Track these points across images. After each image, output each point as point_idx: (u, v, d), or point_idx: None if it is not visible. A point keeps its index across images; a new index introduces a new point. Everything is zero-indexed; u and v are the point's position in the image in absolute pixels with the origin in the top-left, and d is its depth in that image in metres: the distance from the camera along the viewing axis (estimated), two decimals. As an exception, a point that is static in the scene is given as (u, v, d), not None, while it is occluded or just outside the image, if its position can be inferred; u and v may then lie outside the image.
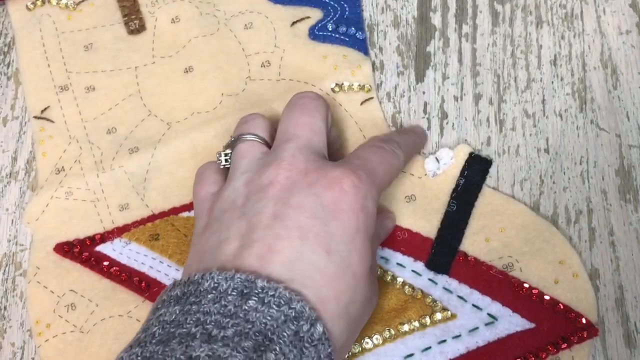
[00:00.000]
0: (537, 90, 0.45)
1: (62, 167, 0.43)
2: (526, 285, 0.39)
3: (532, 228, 0.41)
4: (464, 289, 0.39)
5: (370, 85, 0.45)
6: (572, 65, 0.45)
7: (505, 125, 0.44)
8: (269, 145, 0.37)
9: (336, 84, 0.44)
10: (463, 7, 0.47)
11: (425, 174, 0.42)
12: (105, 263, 0.41)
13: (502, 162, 0.43)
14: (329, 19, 0.46)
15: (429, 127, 0.44)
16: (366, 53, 0.45)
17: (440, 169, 0.42)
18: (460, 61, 0.46)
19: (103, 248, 0.41)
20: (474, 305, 0.39)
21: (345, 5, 0.46)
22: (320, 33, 0.45)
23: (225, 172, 0.38)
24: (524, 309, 0.39)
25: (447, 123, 0.44)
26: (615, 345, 0.39)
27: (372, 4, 0.47)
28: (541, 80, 0.45)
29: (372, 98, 0.44)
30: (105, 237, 0.42)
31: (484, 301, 0.39)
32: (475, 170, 0.42)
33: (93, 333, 0.40)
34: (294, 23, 0.46)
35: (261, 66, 0.45)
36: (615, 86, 0.44)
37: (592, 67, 0.45)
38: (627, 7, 0.46)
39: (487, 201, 0.42)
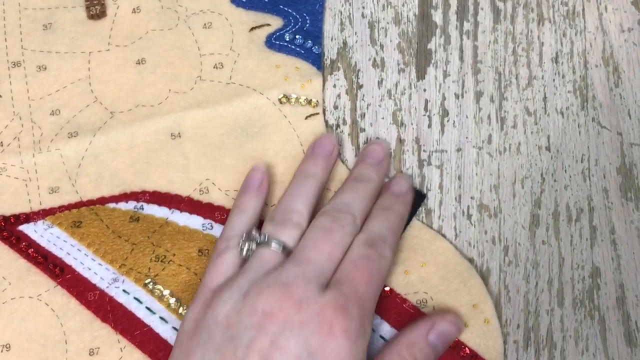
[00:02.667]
0: (539, 88, 0.45)
1: (1, 142, 0.43)
2: (436, 324, 0.38)
3: (452, 267, 0.40)
4: (375, 319, 0.39)
5: (317, 101, 0.44)
6: (574, 63, 0.45)
7: (507, 122, 0.44)
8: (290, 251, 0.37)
9: (284, 95, 0.44)
10: (464, 5, 0.47)
11: (359, 198, 0.42)
12: (24, 243, 0.41)
13: (503, 160, 0.43)
14: (288, 29, 0.45)
15: (429, 125, 0.44)
16: (319, 68, 0.45)
17: (375, 197, 0.42)
18: (461, 58, 0.45)
19: (25, 228, 0.41)
20: (381, 337, 0.39)
21: (307, 18, 0.46)
22: (277, 42, 0.45)
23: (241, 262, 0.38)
24: (430, 347, 0.38)
25: (448, 121, 0.44)
26: (616, 344, 0.40)
27: (372, 1, 0.47)
28: (542, 78, 0.45)
29: (317, 114, 0.44)
30: (30, 217, 0.42)
31: (392, 334, 0.38)
32: (408, 201, 0.42)
33: (1, 311, 0.40)
34: (252, 28, 0.46)
35: (213, 67, 0.45)
36: (616, 84, 0.44)
37: (593, 65, 0.45)
38: (629, 4, 0.46)
39: (414, 234, 0.41)
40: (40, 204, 0.42)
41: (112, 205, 0.42)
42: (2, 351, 0.39)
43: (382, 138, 0.44)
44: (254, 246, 0.38)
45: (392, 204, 0.40)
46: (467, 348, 0.38)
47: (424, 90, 0.45)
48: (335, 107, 0.45)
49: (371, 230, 0.38)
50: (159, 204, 0.42)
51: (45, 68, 0.45)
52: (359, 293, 0.35)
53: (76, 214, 0.42)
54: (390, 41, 0.46)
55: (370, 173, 0.41)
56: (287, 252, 0.37)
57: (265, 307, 0.34)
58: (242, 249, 0.38)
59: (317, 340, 0.33)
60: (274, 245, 0.37)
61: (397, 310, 0.39)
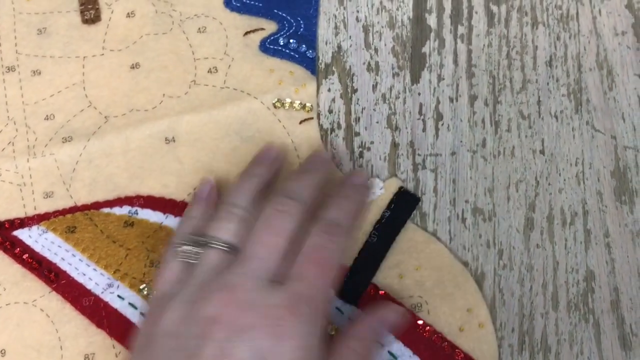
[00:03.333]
0: (533, 92, 0.45)
1: (-4, 147, 0.43)
2: (430, 328, 0.39)
3: (447, 271, 0.40)
4: (370, 322, 0.39)
5: (311, 105, 0.44)
6: (568, 67, 0.45)
7: (501, 126, 0.44)
8: (238, 249, 0.36)
9: (278, 99, 0.44)
10: (458, 8, 0.47)
11: (353, 201, 0.42)
12: (19, 249, 0.41)
13: (497, 164, 0.43)
14: (282, 33, 0.45)
15: (424, 129, 0.44)
16: (313, 72, 0.45)
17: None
18: (455, 62, 0.45)
19: (20, 233, 0.41)
20: (376, 341, 0.39)
21: (302, 22, 0.46)
22: (271, 46, 0.45)
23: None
24: (425, 352, 0.38)
25: (442, 124, 0.44)
26: (611, 348, 0.40)
27: (367, 5, 0.47)
28: (537, 82, 0.45)
29: (311, 118, 0.44)
30: (24, 222, 0.42)
31: (387, 338, 0.39)
32: (403, 205, 0.42)
33: (-4, 316, 0.40)
34: (247, 33, 0.46)
35: (208, 72, 0.45)
36: (610, 87, 0.44)
37: (587, 68, 0.45)
38: (622, 8, 0.46)
39: (408, 237, 0.41)
40: (35, 208, 0.42)
41: (106, 210, 0.42)
42: (-3, 357, 0.39)
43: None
44: (197, 249, 0.36)
45: (349, 193, 0.39)
46: (461, 352, 0.38)
47: (419, 94, 0.45)
48: (330, 111, 0.45)
49: (325, 218, 0.37)
50: (154, 209, 0.42)
51: (40, 73, 0.45)
52: (310, 289, 0.34)
53: (71, 219, 0.42)
54: (385, 45, 0.46)
55: (317, 165, 0.40)
56: (236, 250, 0.35)
57: (209, 313, 0.32)
58: (177, 251, 0.36)
59: (268, 344, 0.31)
60: (216, 244, 0.35)
61: (391, 315, 0.39)
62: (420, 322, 0.39)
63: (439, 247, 0.41)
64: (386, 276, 0.40)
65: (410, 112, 0.45)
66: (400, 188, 0.42)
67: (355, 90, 0.45)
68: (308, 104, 0.44)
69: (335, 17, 0.47)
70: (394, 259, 0.41)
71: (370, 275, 0.40)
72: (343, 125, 0.45)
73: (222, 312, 0.32)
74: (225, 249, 0.35)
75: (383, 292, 0.40)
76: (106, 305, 0.40)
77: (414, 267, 0.40)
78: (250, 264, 0.34)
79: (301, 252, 0.35)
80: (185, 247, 0.36)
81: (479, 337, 0.39)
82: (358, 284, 0.40)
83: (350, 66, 0.46)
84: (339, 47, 0.46)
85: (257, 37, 0.46)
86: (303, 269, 0.34)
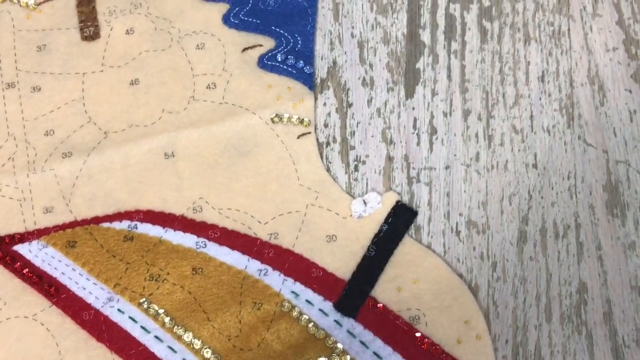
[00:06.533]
0: (525, 106, 0.45)
1: (-5, 162, 0.44)
2: (428, 340, 0.39)
3: (445, 284, 0.41)
4: (368, 335, 0.39)
5: (309, 120, 0.45)
6: (560, 82, 0.46)
7: (494, 140, 0.45)
8: None
9: (276, 115, 0.45)
10: (452, 25, 0.47)
11: (351, 215, 0.42)
12: (19, 263, 0.41)
13: (490, 178, 0.44)
14: (280, 49, 0.46)
15: (418, 143, 0.45)
16: (311, 88, 0.46)
17: (366, 212, 0.42)
18: (449, 77, 0.46)
19: (20, 248, 0.42)
20: (374, 353, 0.39)
21: (299, 39, 0.46)
22: (269, 62, 0.46)
23: None
24: (422, 364, 0.39)
25: (436, 138, 0.45)
26: (603, 359, 0.40)
27: (362, 21, 0.48)
28: (529, 97, 0.46)
29: (309, 133, 0.45)
30: (24, 237, 0.42)
31: (385, 350, 0.39)
32: (400, 219, 0.42)
33: (-4, 331, 0.40)
34: (245, 49, 0.46)
35: (206, 87, 0.45)
36: (602, 102, 0.45)
37: (579, 84, 0.46)
38: (613, 24, 0.47)
39: (406, 250, 0.42)
40: (35, 223, 0.42)
41: (106, 224, 0.42)
42: (-2, 371, 0.39)
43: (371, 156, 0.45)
44: None
45: None
46: (459, 364, 0.39)
47: (413, 108, 0.46)
48: (326, 125, 0.46)
49: None
50: (153, 223, 0.43)
51: (40, 89, 0.45)
52: None
53: (70, 234, 0.42)
54: (380, 60, 0.47)
55: None
56: None
57: None
58: None
59: None
60: None
61: (390, 327, 0.40)
62: (418, 334, 0.39)
63: (436, 260, 0.42)
64: (384, 289, 0.41)
65: (404, 127, 0.45)
66: (397, 202, 0.43)
67: (350, 105, 0.46)
68: (306, 119, 0.45)
69: (331, 32, 0.48)
70: (392, 272, 0.41)
71: (368, 288, 0.41)
72: (338, 139, 0.45)
73: None
74: None
75: (381, 305, 0.40)
76: (106, 319, 0.40)
77: (412, 280, 0.41)
78: None
79: None
80: None
81: (476, 348, 0.39)
82: (357, 297, 0.40)
83: (345, 81, 0.47)
84: (335, 62, 0.47)
85: (255, 54, 0.46)
86: None
